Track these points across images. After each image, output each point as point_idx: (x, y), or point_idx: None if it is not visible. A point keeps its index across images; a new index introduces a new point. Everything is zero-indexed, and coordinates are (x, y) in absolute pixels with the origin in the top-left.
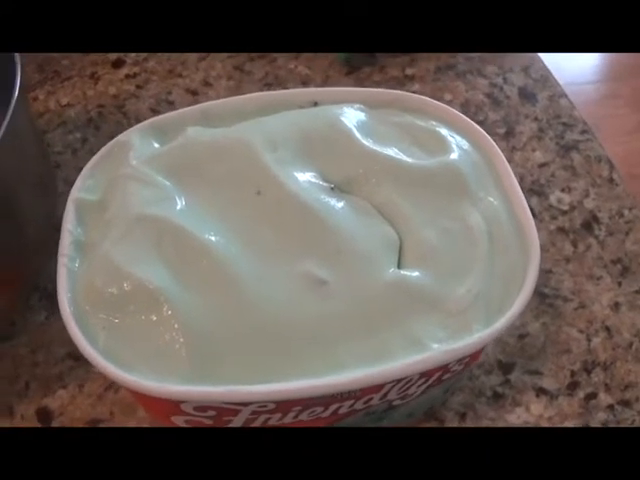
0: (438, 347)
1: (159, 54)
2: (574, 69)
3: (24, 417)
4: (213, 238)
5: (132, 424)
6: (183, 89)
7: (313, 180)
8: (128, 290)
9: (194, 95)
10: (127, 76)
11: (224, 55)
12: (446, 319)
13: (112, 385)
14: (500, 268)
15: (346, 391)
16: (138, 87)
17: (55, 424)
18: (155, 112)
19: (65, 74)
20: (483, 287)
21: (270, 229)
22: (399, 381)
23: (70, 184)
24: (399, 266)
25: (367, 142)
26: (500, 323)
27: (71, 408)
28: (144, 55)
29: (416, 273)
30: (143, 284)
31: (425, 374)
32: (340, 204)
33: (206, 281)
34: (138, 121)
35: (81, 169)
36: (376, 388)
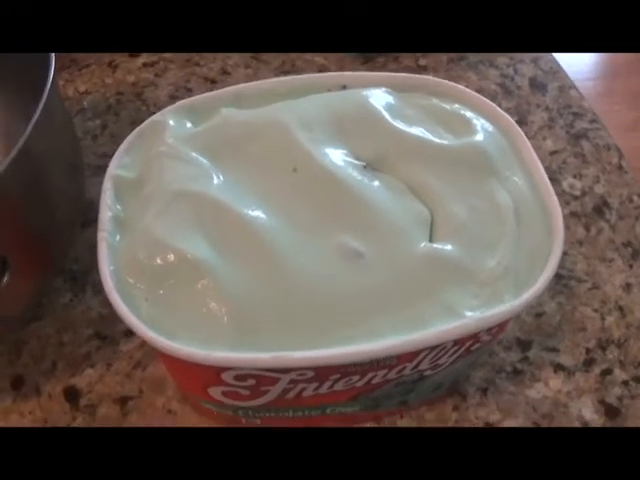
0: (472, 315)
1: None
2: (571, 66)
3: (52, 396)
4: (251, 212)
5: (161, 401)
6: (201, 77)
7: (346, 158)
8: (170, 262)
9: (212, 83)
10: (145, 65)
11: None
12: (478, 290)
13: (140, 363)
14: (526, 243)
15: (387, 357)
16: (156, 75)
17: (83, 402)
18: (174, 99)
19: (83, 62)
20: (511, 260)
21: (307, 204)
22: (433, 349)
23: (92, 169)
24: (431, 240)
25: (396, 123)
26: (529, 293)
27: (99, 386)
28: None
29: (448, 246)
30: (184, 255)
31: (458, 342)
32: (373, 181)
33: (246, 252)
34: (157, 108)
35: (103, 155)
36: (411, 356)
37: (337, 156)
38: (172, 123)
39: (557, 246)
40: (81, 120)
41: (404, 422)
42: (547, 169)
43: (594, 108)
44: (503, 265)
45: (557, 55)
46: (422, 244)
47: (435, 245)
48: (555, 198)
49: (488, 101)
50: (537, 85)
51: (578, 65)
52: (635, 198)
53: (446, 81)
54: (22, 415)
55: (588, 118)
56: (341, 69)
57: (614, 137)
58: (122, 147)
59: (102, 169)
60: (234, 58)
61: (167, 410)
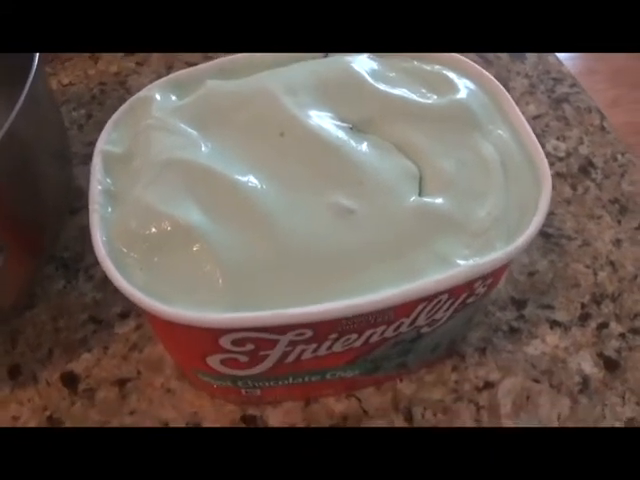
0: (466, 263)
1: None
2: None
3: (49, 382)
4: (241, 177)
5: (159, 381)
6: (183, 62)
7: (332, 121)
8: (162, 229)
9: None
10: (126, 54)
11: None
12: (470, 239)
13: (137, 345)
14: (515, 193)
15: (384, 309)
16: (138, 64)
17: (82, 387)
18: None
19: (65, 56)
20: (501, 210)
21: (296, 166)
22: (429, 302)
23: (80, 158)
24: (420, 195)
25: (379, 85)
26: (521, 240)
27: (97, 370)
28: None
29: (438, 199)
30: (177, 222)
31: (452, 293)
32: (360, 141)
33: (238, 216)
34: None
35: (89, 143)
36: (408, 310)
37: (323, 119)
38: (158, 98)
39: (545, 192)
40: (66, 111)
41: (404, 385)
42: None
43: None
44: (493, 215)
45: None
46: (412, 198)
47: (425, 199)
48: (539, 148)
49: (468, 60)
50: (516, 54)
51: None
52: (619, 157)
53: None
54: (21, 404)
55: (568, 83)
56: None
57: None
58: (110, 123)
59: (88, 157)
60: None
61: (166, 389)
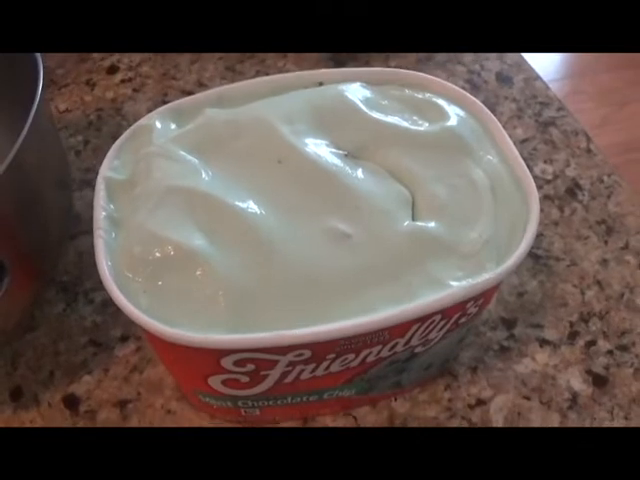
0: (458, 285)
1: (152, 59)
2: (536, 68)
3: (51, 404)
4: (241, 202)
5: (160, 402)
6: (178, 90)
7: (328, 148)
8: (165, 254)
9: (190, 95)
10: (122, 81)
11: (215, 57)
12: (462, 261)
13: (137, 367)
14: (505, 216)
15: (380, 329)
16: (135, 90)
17: (83, 408)
18: None
19: (61, 82)
20: (491, 233)
21: (293, 192)
22: (423, 322)
23: (77, 184)
24: (413, 219)
25: (373, 113)
26: (510, 262)
27: (98, 392)
28: (137, 60)
29: (430, 223)
30: (179, 246)
31: (446, 314)
32: (354, 168)
33: (238, 240)
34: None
35: (86, 170)
36: (402, 330)
37: (319, 146)
38: (159, 125)
39: (533, 215)
40: (64, 137)
41: (398, 404)
42: None
43: None
44: (484, 238)
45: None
46: (405, 223)
47: (418, 223)
48: (527, 172)
49: (457, 88)
50: (503, 79)
51: (544, 66)
52: (605, 178)
53: (417, 72)
54: (23, 424)
55: (555, 107)
56: None
57: None
58: (112, 150)
59: (86, 183)
60: (210, 70)
61: (166, 410)
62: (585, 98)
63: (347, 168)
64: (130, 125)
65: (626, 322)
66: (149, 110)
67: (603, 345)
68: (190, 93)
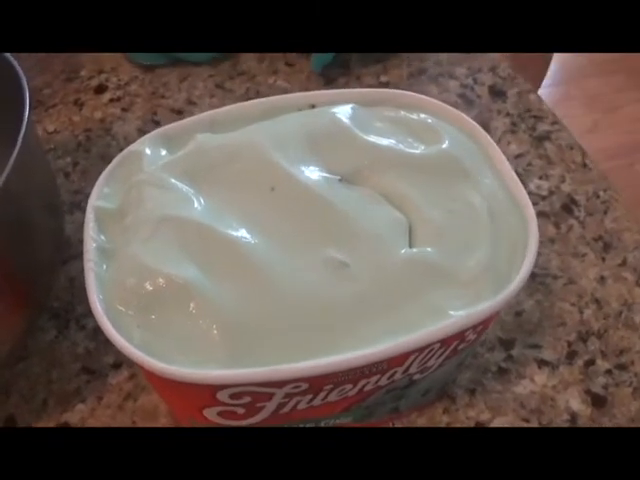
0: (457, 314)
1: (140, 77)
2: None
3: None
4: (235, 232)
5: None
6: (168, 109)
7: (321, 174)
8: (158, 287)
9: (179, 114)
10: (111, 100)
11: (205, 75)
12: (460, 289)
13: (131, 394)
14: (503, 240)
15: (381, 360)
16: (123, 110)
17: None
18: (142, 132)
19: (48, 103)
20: (490, 258)
21: (288, 221)
22: (422, 351)
23: (67, 206)
24: (410, 246)
25: (366, 136)
26: (510, 289)
27: (92, 421)
28: (126, 79)
29: (428, 250)
30: (172, 279)
31: (444, 343)
32: (349, 194)
33: (233, 272)
34: (127, 142)
35: (75, 192)
36: (401, 360)
37: (312, 172)
38: (149, 152)
39: (532, 238)
40: (52, 159)
41: None
42: None
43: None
44: (482, 264)
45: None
46: (403, 250)
47: (415, 250)
48: (525, 193)
49: (452, 108)
50: (497, 92)
51: None
52: (601, 193)
53: (410, 92)
54: None
55: (549, 120)
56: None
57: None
58: (101, 178)
59: (76, 206)
60: (199, 88)
61: None
62: (576, 104)
63: (342, 194)
64: (120, 145)
65: (624, 340)
66: (139, 130)
67: (602, 364)
68: (180, 111)
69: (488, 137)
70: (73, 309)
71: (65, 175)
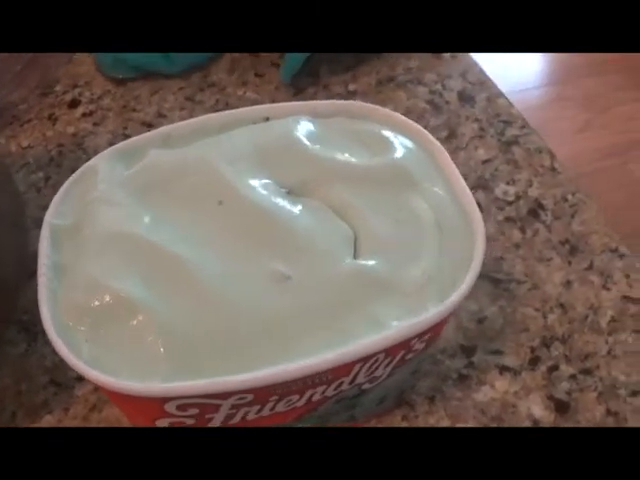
0: (398, 324)
1: (112, 91)
2: (520, 75)
3: None
4: (181, 248)
5: None
6: (138, 123)
7: (269, 187)
8: (106, 302)
9: (149, 127)
10: (84, 115)
11: (175, 87)
12: (403, 300)
13: (96, 406)
14: (449, 251)
15: (319, 372)
16: (95, 124)
17: None
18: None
19: (24, 118)
20: (435, 269)
21: (234, 234)
22: (366, 362)
23: (36, 221)
24: (356, 257)
25: (316, 148)
26: (453, 298)
27: None
28: (98, 94)
29: (372, 261)
30: (119, 295)
31: (389, 353)
32: (295, 206)
33: (178, 287)
34: None
35: (46, 207)
36: (345, 370)
37: (260, 186)
38: (105, 168)
39: (479, 246)
40: (26, 173)
41: None
42: (480, 178)
43: (547, 114)
44: (427, 274)
45: (501, 66)
46: (346, 261)
47: (359, 261)
48: (474, 202)
49: (404, 117)
50: (465, 98)
51: (527, 73)
52: (569, 197)
53: (364, 103)
54: None
55: (518, 125)
56: (273, 102)
57: (566, 140)
58: (58, 196)
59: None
60: (169, 101)
61: None
62: (569, 104)
63: (288, 207)
64: (90, 159)
65: (590, 345)
66: (110, 143)
67: (566, 370)
68: (150, 125)
69: (440, 145)
70: (41, 322)
71: (37, 190)
